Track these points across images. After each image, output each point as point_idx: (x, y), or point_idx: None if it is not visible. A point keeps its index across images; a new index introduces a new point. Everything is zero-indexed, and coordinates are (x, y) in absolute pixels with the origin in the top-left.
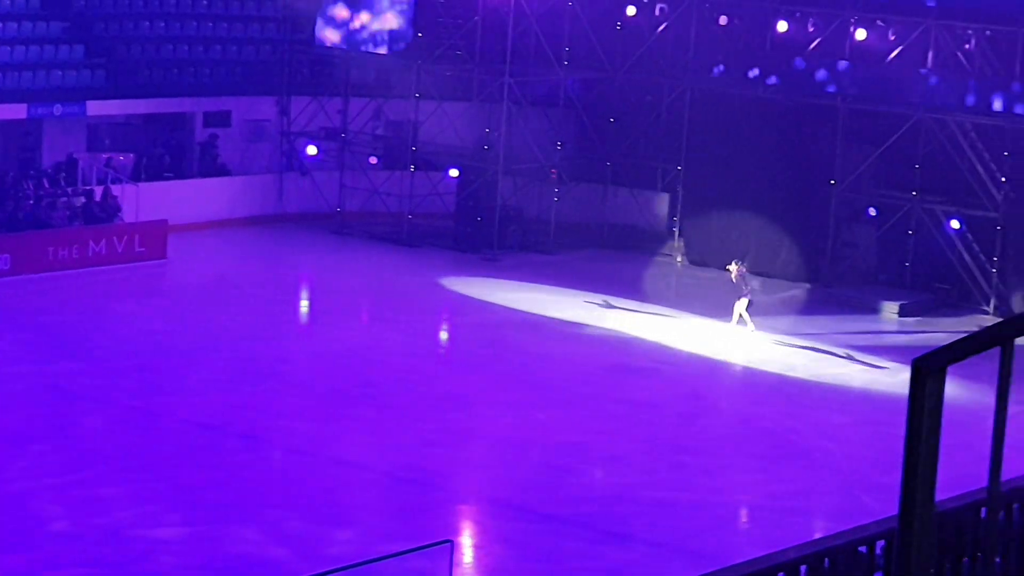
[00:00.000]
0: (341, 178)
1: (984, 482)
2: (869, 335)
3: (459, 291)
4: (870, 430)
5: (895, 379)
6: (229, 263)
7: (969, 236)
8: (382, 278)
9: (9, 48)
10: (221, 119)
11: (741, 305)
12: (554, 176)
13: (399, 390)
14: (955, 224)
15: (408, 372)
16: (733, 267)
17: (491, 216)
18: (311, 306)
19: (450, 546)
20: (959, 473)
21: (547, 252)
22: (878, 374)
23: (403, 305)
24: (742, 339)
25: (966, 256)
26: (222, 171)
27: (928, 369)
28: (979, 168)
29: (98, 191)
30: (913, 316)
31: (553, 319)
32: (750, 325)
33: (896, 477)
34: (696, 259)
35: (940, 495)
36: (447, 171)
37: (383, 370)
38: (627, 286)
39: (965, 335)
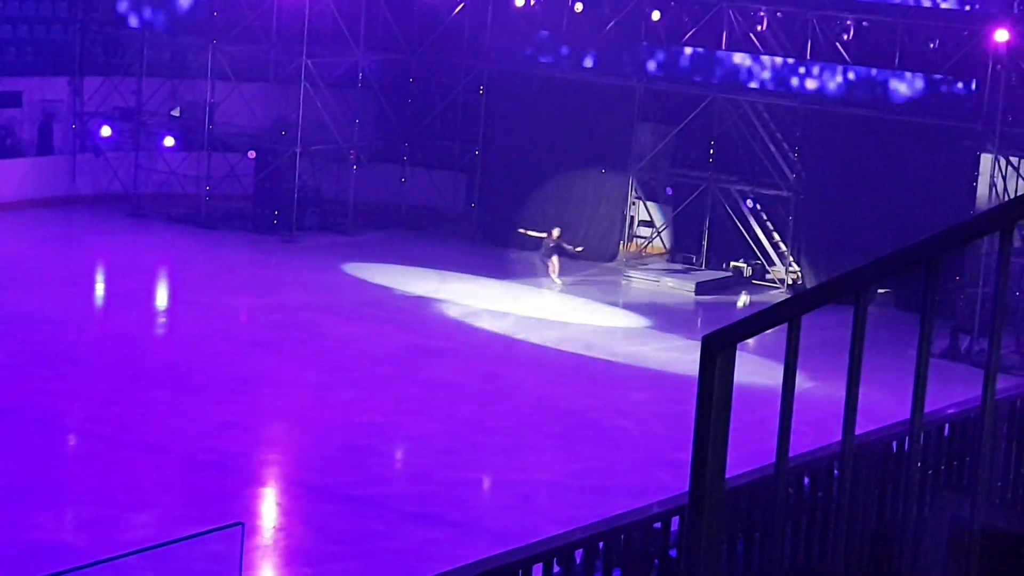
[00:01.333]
0: (136, 159)
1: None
2: (672, 313)
3: (257, 272)
4: (667, 407)
5: (691, 357)
6: (20, 246)
7: (764, 215)
8: (179, 260)
9: None
10: (12, 100)
11: (555, 262)
12: (352, 157)
13: (197, 372)
14: (750, 203)
15: (206, 354)
16: (556, 232)
17: (289, 197)
18: (106, 289)
19: (241, 528)
20: (751, 450)
21: (346, 233)
22: (674, 352)
23: (201, 287)
24: (550, 294)
25: (760, 234)
26: (13, 152)
27: (718, 345)
28: (772, 147)
29: None
30: (709, 294)
31: (352, 300)
32: (558, 282)
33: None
34: (493, 239)
35: (732, 472)
36: (246, 152)
37: (181, 353)
38: (425, 266)
39: (754, 312)
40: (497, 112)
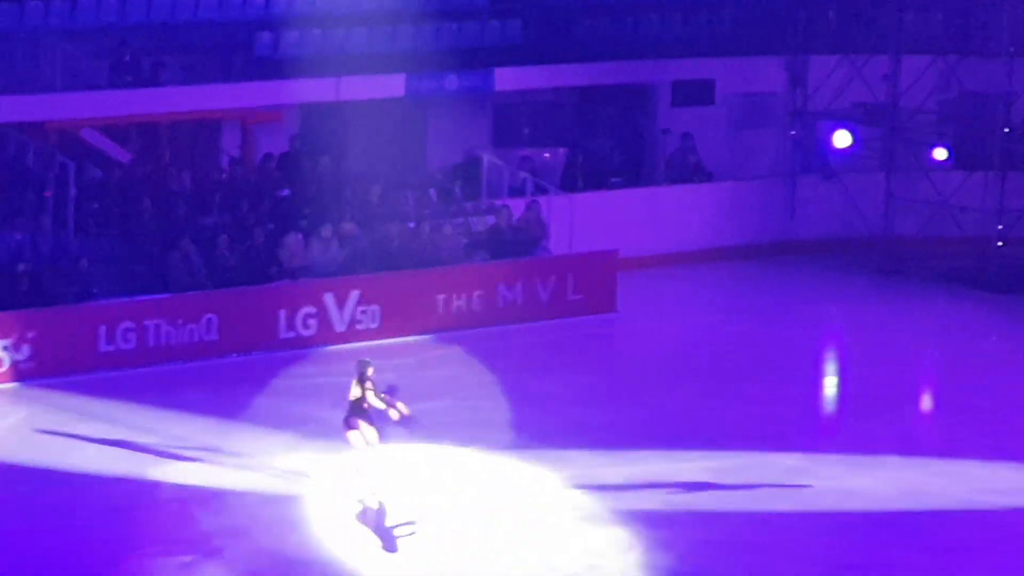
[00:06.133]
0: (888, 184)
1: None
2: None
3: None
4: None
5: None
6: (711, 320)
7: None
8: (963, 349)
9: None
10: (698, 93)
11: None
12: None
13: None
14: None
15: None
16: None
17: None
18: (847, 397)
19: None
20: None
21: None
22: None
23: (1009, 399)
24: None
25: None
26: (699, 174)
27: None
28: None
29: (514, 207)
30: None
31: None
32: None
33: None
34: None
35: None
36: None
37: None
38: None
39: None
40: None
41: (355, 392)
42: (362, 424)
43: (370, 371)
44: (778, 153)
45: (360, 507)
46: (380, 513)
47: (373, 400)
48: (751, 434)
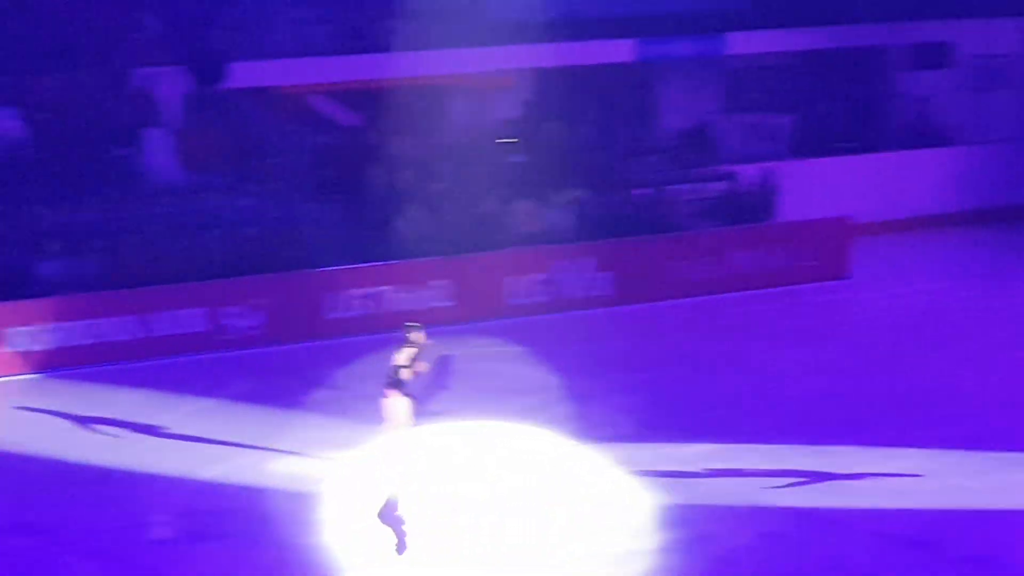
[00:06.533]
0: None
1: None
2: None
3: None
4: None
5: None
6: (947, 287)
7: None
8: None
9: None
10: (934, 56)
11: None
12: None
13: None
14: None
15: None
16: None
17: None
18: None
19: None
20: None
21: None
22: None
23: None
24: None
25: None
26: (936, 138)
27: None
28: None
29: (745, 173)
30: None
31: None
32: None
33: None
34: None
35: None
36: None
37: None
38: None
39: None
40: None
41: (399, 358)
42: (392, 396)
43: (416, 336)
44: (1018, 116)
45: (384, 496)
46: (392, 504)
47: (404, 362)
48: (993, 402)
